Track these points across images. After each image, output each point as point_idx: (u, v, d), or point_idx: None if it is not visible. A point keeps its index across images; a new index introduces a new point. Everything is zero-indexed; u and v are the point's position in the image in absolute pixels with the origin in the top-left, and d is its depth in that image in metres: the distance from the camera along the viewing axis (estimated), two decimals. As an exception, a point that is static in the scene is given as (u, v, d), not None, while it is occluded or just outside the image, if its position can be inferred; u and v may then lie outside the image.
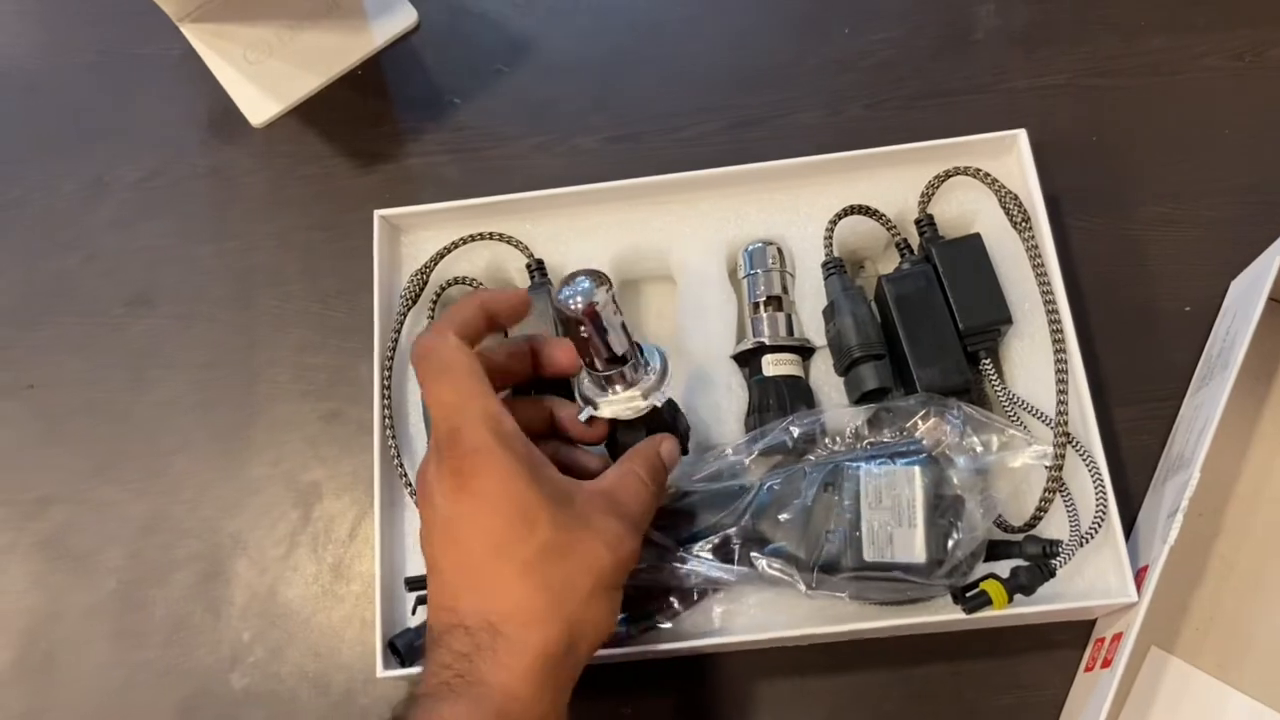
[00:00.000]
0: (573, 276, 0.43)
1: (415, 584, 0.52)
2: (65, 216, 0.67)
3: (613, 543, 0.43)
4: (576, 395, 0.48)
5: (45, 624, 0.59)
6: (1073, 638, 0.53)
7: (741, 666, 0.54)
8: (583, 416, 0.47)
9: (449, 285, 0.59)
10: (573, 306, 0.42)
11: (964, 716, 0.53)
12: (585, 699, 0.43)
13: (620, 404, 0.46)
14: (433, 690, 0.40)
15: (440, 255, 0.58)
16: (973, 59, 0.65)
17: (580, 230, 0.59)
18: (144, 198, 0.67)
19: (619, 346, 0.44)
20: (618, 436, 0.49)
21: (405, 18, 0.70)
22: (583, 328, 0.43)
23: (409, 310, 0.58)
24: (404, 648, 0.51)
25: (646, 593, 0.51)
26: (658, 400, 0.47)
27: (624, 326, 0.44)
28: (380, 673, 0.51)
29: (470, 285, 0.58)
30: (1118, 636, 0.50)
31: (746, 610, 0.52)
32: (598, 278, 0.43)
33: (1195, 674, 0.52)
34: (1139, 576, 0.50)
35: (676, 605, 0.51)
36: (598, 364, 0.45)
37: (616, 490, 0.45)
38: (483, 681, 0.40)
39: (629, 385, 0.46)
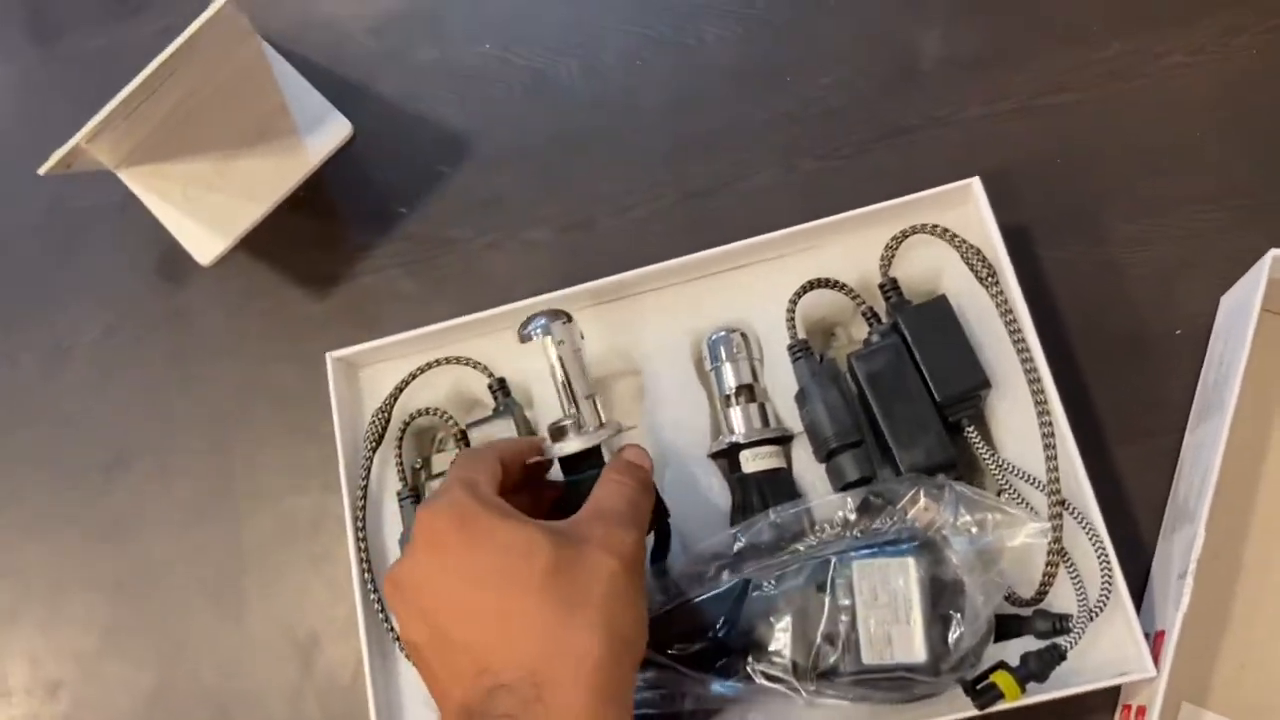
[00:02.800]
0: (531, 317, 0.51)
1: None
2: (28, 388, 0.67)
3: (614, 546, 0.42)
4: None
5: (68, 811, 0.59)
6: (1102, 704, 0.51)
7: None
8: (555, 453, 0.49)
9: (416, 416, 0.57)
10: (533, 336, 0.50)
11: (997, 797, 0.52)
12: None
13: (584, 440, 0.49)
14: None
15: (399, 390, 0.57)
16: (923, 92, 0.62)
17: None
18: (104, 356, 0.67)
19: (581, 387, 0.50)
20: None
21: (339, 130, 0.68)
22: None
23: (375, 450, 0.56)
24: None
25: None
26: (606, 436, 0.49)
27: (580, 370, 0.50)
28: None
29: (437, 416, 0.57)
30: (1142, 710, 0.47)
31: (752, 729, 0.50)
32: (555, 314, 0.51)
33: (1232, 725, 0.50)
34: (1155, 644, 0.48)
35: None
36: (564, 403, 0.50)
37: (599, 500, 0.45)
38: None
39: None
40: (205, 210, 0.67)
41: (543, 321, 0.50)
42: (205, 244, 0.67)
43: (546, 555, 0.40)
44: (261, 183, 0.67)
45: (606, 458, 0.50)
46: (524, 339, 0.51)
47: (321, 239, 0.67)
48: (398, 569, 0.43)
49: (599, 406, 0.51)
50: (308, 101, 0.66)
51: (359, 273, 0.66)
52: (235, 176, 0.68)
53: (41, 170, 0.55)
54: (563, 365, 0.50)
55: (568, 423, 0.49)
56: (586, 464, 0.49)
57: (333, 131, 0.68)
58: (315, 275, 0.66)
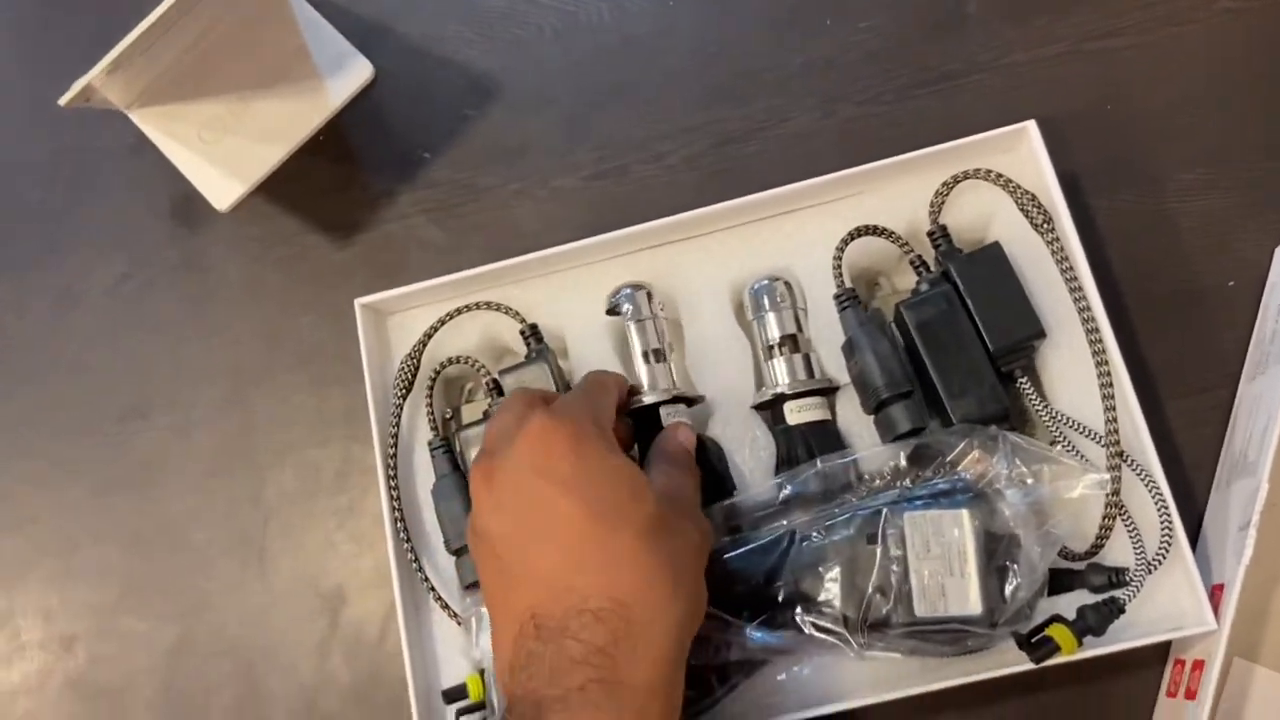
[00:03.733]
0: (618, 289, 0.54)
1: (453, 695, 0.50)
2: (40, 335, 0.65)
3: (700, 522, 0.44)
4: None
5: (87, 767, 0.58)
6: (1151, 657, 0.50)
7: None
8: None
9: (446, 365, 0.55)
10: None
11: (1044, 754, 0.51)
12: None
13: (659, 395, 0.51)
14: (565, 696, 0.37)
15: (428, 336, 0.55)
16: (967, 36, 0.60)
17: (573, 287, 0.56)
18: (119, 303, 0.65)
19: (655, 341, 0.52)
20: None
21: (361, 72, 0.66)
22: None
23: (405, 398, 0.55)
24: None
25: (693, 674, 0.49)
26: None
27: (658, 326, 0.53)
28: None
29: (468, 364, 0.55)
30: (1199, 664, 0.46)
31: (799, 678, 0.49)
32: (637, 285, 0.54)
33: (1285, 681, 0.49)
34: (1214, 596, 0.47)
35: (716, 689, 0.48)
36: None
37: (672, 483, 0.45)
38: (623, 683, 0.37)
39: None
40: (221, 154, 0.65)
41: (628, 292, 0.53)
42: (222, 189, 0.65)
43: (653, 505, 0.40)
44: (280, 126, 0.65)
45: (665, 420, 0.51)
46: (612, 312, 0.54)
47: (342, 185, 0.65)
48: (495, 459, 0.42)
49: (673, 371, 0.52)
50: (328, 42, 0.64)
51: (382, 220, 0.64)
52: (252, 119, 0.65)
53: (62, 101, 0.53)
54: (645, 335, 0.53)
55: (643, 381, 0.52)
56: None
57: (354, 73, 0.66)
58: (337, 222, 0.64)
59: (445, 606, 0.52)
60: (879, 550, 0.46)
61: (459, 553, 0.52)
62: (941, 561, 0.46)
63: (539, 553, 0.39)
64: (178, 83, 0.65)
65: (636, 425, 0.51)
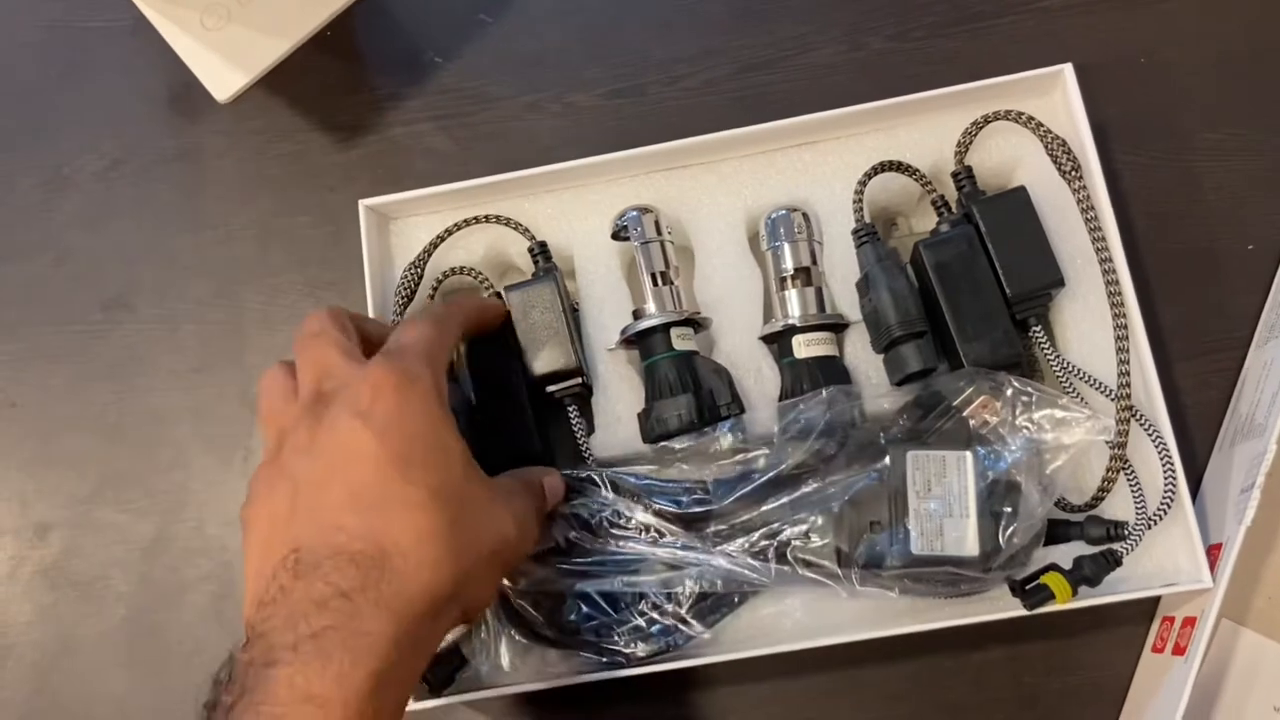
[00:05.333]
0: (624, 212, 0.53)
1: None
2: (26, 216, 0.62)
3: (522, 523, 0.42)
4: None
5: (56, 657, 0.57)
6: (1138, 614, 0.51)
7: (791, 664, 0.51)
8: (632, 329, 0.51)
9: (448, 275, 0.54)
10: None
11: (1025, 702, 0.51)
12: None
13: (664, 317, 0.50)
14: (297, 644, 0.35)
15: (434, 245, 0.53)
16: (1004, -24, 0.59)
17: (585, 205, 0.54)
18: (109, 189, 0.62)
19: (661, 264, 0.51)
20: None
21: (373, -33, 0.63)
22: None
23: (405, 306, 0.53)
24: (433, 675, 0.48)
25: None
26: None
27: (664, 249, 0.52)
28: (411, 704, 0.48)
29: (471, 275, 0.54)
30: (1190, 620, 0.47)
31: (791, 613, 0.49)
32: (644, 209, 0.52)
33: (1270, 646, 0.49)
34: (1211, 555, 0.47)
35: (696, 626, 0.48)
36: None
37: (529, 483, 0.45)
38: (361, 632, 0.35)
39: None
40: (224, 42, 0.62)
41: (635, 215, 0.52)
42: (223, 78, 0.62)
43: (460, 472, 0.40)
44: (286, 17, 0.62)
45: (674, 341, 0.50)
46: (617, 236, 0.53)
47: (348, 84, 0.62)
48: (328, 406, 0.39)
49: (680, 294, 0.52)
50: (341, -69, 0.62)
51: (388, 124, 0.61)
52: (257, 7, 0.62)
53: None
54: (651, 258, 0.52)
55: (650, 303, 0.51)
56: (658, 347, 0.50)
57: (367, -33, 0.63)
58: (340, 123, 0.62)
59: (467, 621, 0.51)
60: (878, 487, 0.46)
61: None
62: (941, 502, 0.45)
63: (329, 491, 0.38)
64: (182, -37, 0.62)
65: (641, 353, 0.51)
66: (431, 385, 0.41)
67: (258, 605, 0.37)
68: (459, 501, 0.39)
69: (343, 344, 0.42)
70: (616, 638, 0.46)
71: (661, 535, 0.46)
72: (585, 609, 0.47)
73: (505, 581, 0.46)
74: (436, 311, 0.47)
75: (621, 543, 0.46)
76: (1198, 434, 0.52)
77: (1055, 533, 0.47)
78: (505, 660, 0.46)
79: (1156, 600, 0.50)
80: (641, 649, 0.46)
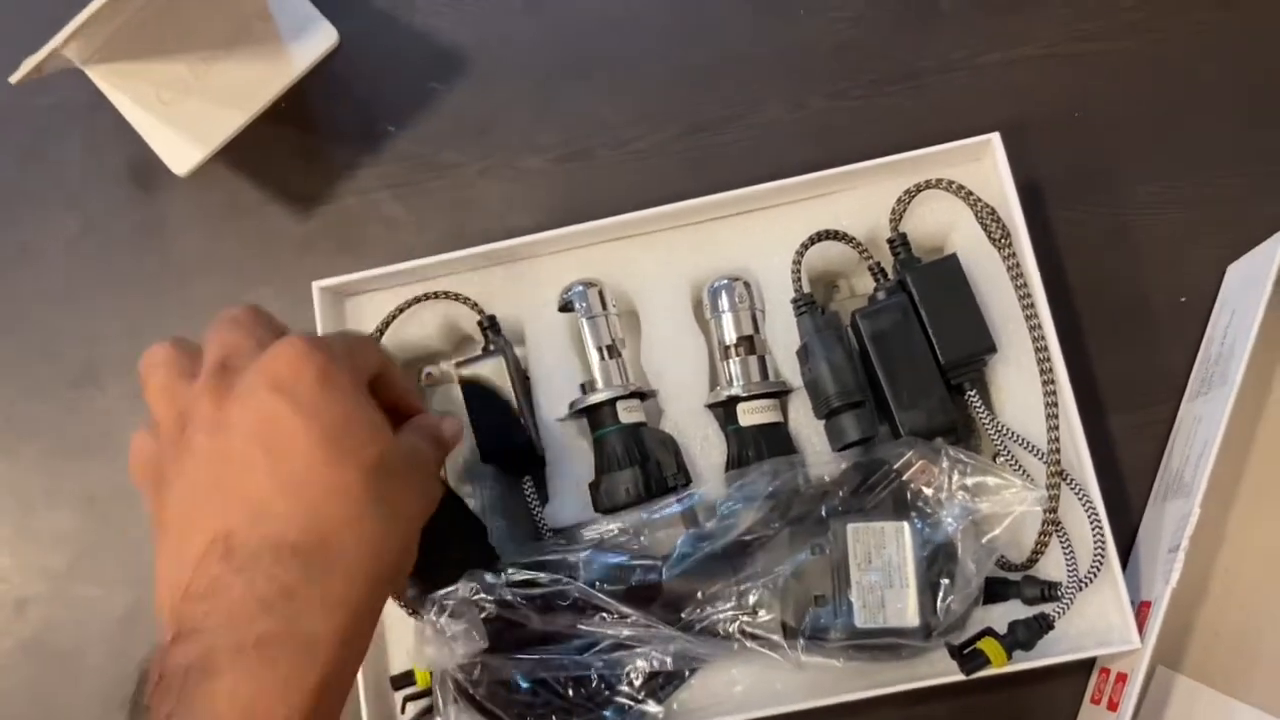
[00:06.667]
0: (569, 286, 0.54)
1: (400, 682, 0.51)
2: (-9, 295, 0.64)
3: (427, 489, 0.42)
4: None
5: (41, 730, 0.59)
6: (1077, 665, 0.52)
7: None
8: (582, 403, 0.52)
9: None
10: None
11: (971, 752, 0.53)
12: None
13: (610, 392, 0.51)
14: (240, 649, 0.33)
15: (386, 324, 0.55)
16: (940, 33, 0.60)
17: (533, 277, 0.56)
18: (74, 264, 0.64)
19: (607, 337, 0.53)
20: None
21: (325, 38, 0.64)
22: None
23: (363, 386, 0.54)
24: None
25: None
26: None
27: (610, 323, 0.53)
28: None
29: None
30: (1122, 676, 0.48)
31: (740, 680, 0.50)
32: (589, 283, 0.53)
33: (1202, 690, 0.51)
34: (1140, 613, 0.48)
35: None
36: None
37: (418, 445, 0.43)
38: (307, 637, 0.34)
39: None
40: (181, 116, 0.63)
41: (580, 289, 0.53)
42: (181, 152, 0.64)
43: (386, 448, 0.38)
44: (241, 90, 0.64)
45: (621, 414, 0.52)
46: (565, 309, 0.53)
47: (304, 155, 0.64)
48: (230, 375, 0.38)
49: (626, 367, 0.53)
50: (291, 5, 0.63)
51: (343, 193, 0.63)
52: (213, 81, 0.64)
53: (13, 79, 0.52)
54: (598, 332, 0.53)
55: (597, 376, 0.52)
56: (606, 420, 0.51)
57: (318, 39, 0.64)
58: (297, 193, 0.63)
59: (398, 597, 0.52)
60: (821, 561, 0.47)
61: None
62: (882, 573, 0.47)
63: (254, 471, 0.36)
64: (137, 38, 0.63)
65: (590, 425, 0.52)
66: (349, 364, 0.39)
67: (186, 596, 0.35)
68: (388, 477, 0.38)
69: (258, 333, 0.40)
70: (573, 723, 0.48)
71: (611, 615, 0.48)
72: (543, 693, 0.48)
73: (460, 675, 0.47)
74: (356, 333, 0.48)
75: (575, 622, 0.48)
76: (1133, 486, 0.54)
77: (993, 591, 0.49)
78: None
79: (1095, 651, 0.52)
80: (598, 730, 0.48)
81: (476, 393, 0.52)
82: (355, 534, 0.36)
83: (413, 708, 0.51)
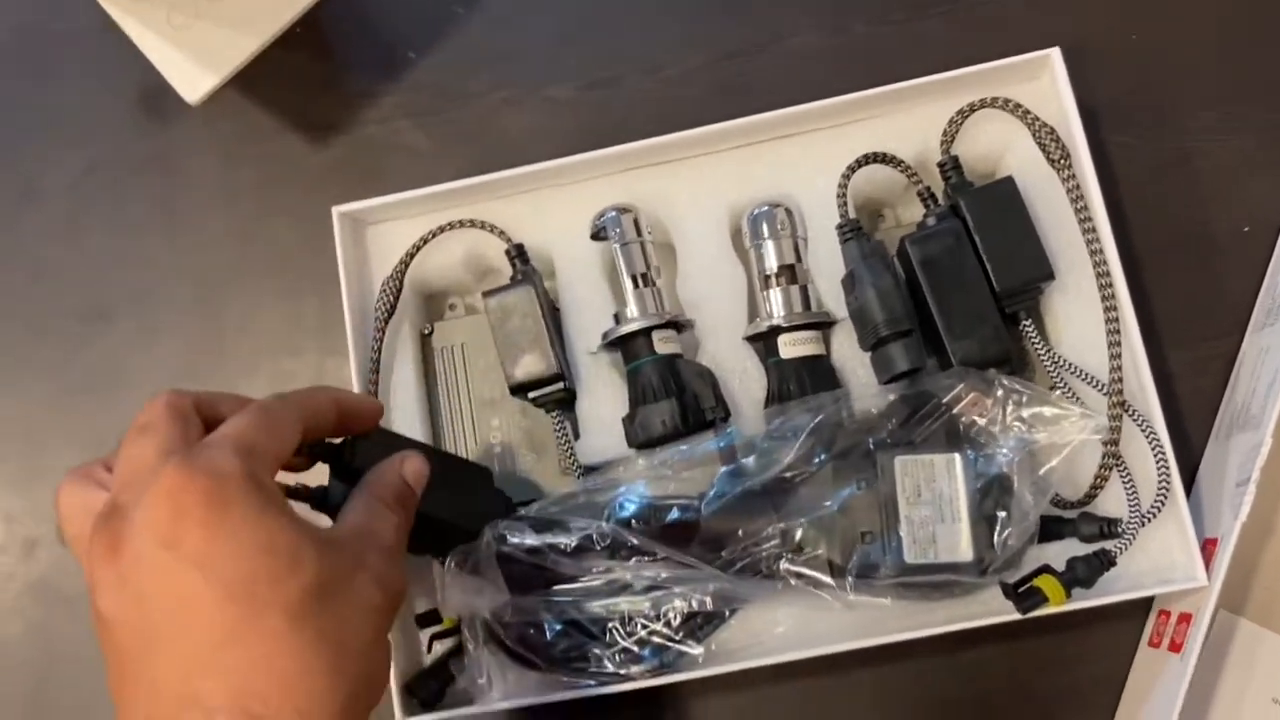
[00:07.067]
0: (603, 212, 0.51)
1: (426, 620, 0.49)
2: (-1, 230, 0.61)
3: (385, 580, 0.36)
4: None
5: (47, 673, 0.57)
6: (1133, 608, 0.50)
7: (782, 670, 0.50)
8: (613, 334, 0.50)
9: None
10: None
11: (1020, 698, 0.51)
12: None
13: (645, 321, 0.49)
14: None
15: (410, 255, 0.52)
16: (990, -49, 0.57)
17: (563, 205, 0.53)
18: (82, 198, 0.61)
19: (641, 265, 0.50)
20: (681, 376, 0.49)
21: (342, -41, 0.62)
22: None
23: (387, 322, 0.52)
24: (422, 691, 0.48)
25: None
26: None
27: (645, 250, 0.51)
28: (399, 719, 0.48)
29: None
30: (1185, 617, 0.46)
31: (781, 622, 0.48)
32: (623, 209, 0.51)
33: (1266, 635, 0.49)
34: (1206, 549, 0.46)
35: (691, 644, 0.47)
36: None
37: (371, 523, 0.38)
38: None
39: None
40: (193, 41, 0.61)
41: (614, 215, 0.51)
42: (193, 79, 0.61)
43: (313, 571, 0.33)
44: (256, 14, 0.61)
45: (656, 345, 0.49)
46: (597, 236, 0.51)
47: (321, 82, 0.61)
48: (120, 521, 0.33)
49: (661, 296, 0.51)
50: (308, -77, 0.60)
51: (363, 122, 0.60)
52: (225, 5, 0.61)
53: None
54: (632, 259, 0.50)
55: (631, 305, 0.50)
56: (641, 351, 0.49)
57: (335, -40, 0.62)
58: (315, 122, 0.60)
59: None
60: (869, 496, 0.45)
61: None
62: (932, 508, 0.45)
63: (161, 651, 0.32)
64: (146, -43, 0.60)
65: (624, 357, 0.50)
66: (243, 478, 0.33)
67: None
68: (324, 602, 0.33)
69: (169, 440, 0.35)
70: (608, 663, 0.46)
71: (647, 555, 0.45)
72: (575, 634, 0.46)
73: (489, 615, 0.45)
74: (269, 400, 0.39)
75: (608, 564, 0.46)
76: (1193, 424, 0.51)
77: (1048, 530, 0.47)
78: (496, 686, 0.46)
79: (1153, 595, 0.50)
80: (634, 670, 0.46)
81: (504, 322, 0.50)
82: (301, 684, 0.32)
83: (439, 646, 0.48)
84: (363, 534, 0.37)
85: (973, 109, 0.49)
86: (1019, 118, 0.49)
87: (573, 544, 0.45)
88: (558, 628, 0.47)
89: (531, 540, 0.45)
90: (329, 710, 0.33)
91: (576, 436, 0.51)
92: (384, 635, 0.36)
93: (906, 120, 0.51)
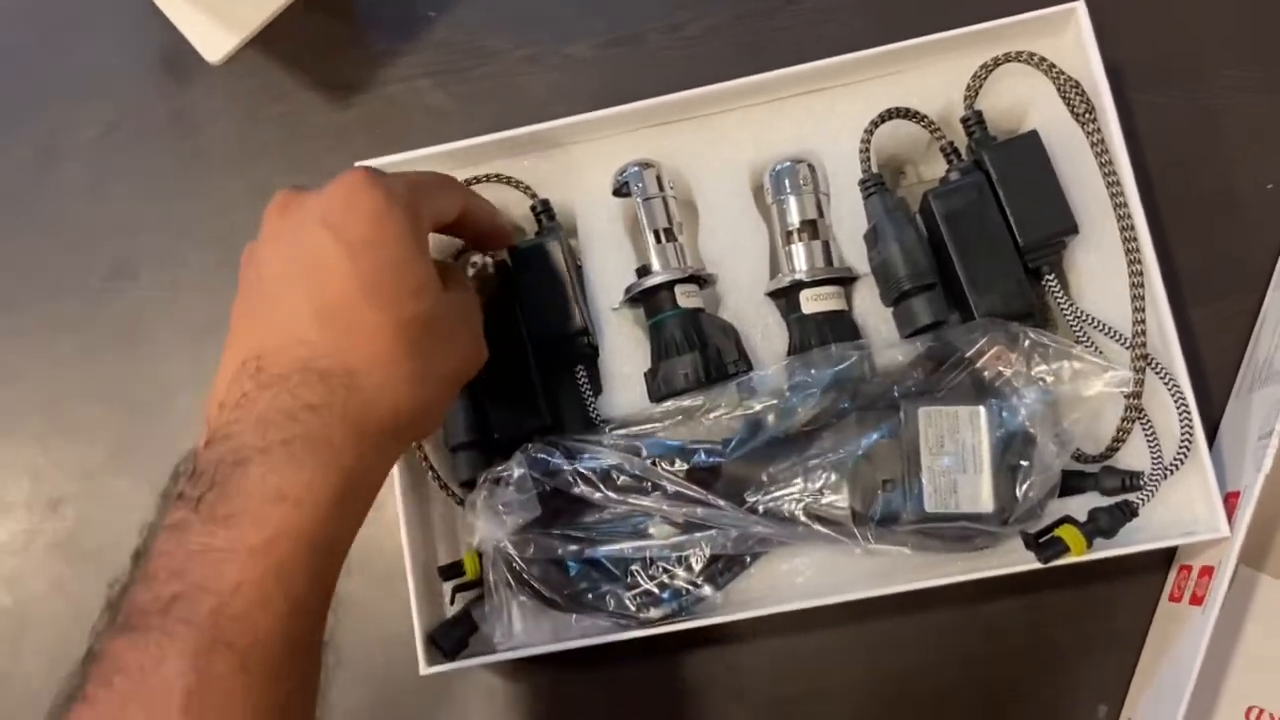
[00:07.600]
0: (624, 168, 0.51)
1: (449, 572, 0.49)
2: (19, 188, 0.61)
3: (475, 352, 0.43)
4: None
5: (72, 629, 0.57)
6: (1154, 562, 0.50)
7: (802, 619, 0.51)
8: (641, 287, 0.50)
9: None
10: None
11: (1040, 652, 0.51)
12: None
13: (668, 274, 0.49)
14: (268, 448, 0.35)
15: (434, 208, 0.52)
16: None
17: (585, 161, 0.53)
18: (103, 157, 0.61)
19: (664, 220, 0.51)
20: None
21: (363, -82, 0.62)
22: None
23: (408, 272, 0.52)
24: (445, 641, 0.48)
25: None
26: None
27: (667, 205, 0.51)
28: (423, 670, 0.48)
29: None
30: (1207, 570, 0.46)
31: (802, 570, 0.48)
32: (645, 164, 0.51)
33: (1287, 590, 0.49)
34: (1229, 503, 0.46)
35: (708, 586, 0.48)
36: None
37: (464, 304, 0.44)
38: (328, 443, 0.36)
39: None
40: (213, 1, 0.61)
41: (636, 170, 0.51)
42: (214, 39, 0.61)
43: (428, 305, 0.39)
44: (276, -27, 0.61)
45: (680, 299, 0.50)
46: (619, 192, 0.51)
47: (341, 42, 0.61)
48: (299, 195, 0.40)
49: (684, 250, 0.51)
50: (329, -119, 0.60)
51: (383, 81, 0.60)
52: (247, -37, 0.61)
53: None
54: (654, 214, 0.51)
55: (654, 260, 0.50)
56: (663, 305, 0.49)
57: (356, -81, 0.62)
58: (335, 82, 0.61)
59: (444, 487, 0.51)
60: (891, 445, 0.45)
61: (455, 449, 0.50)
62: (954, 458, 0.45)
63: (293, 299, 0.38)
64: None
65: (647, 312, 0.50)
66: (408, 207, 0.39)
67: (220, 407, 0.37)
68: (425, 330, 0.39)
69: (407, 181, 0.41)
70: (627, 603, 0.46)
71: (674, 491, 0.46)
72: (595, 574, 0.47)
73: (512, 550, 0.45)
74: (439, 175, 0.46)
75: (632, 500, 0.46)
76: (1214, 380, 0.51)
77: (1070, 484, 0.47)
78: (517, 624, 0.46)
79: (1173, 549, 0.50)
80: (653, 612, 0.46)
81: (529, 276, 0.50)
82: (381, 374, 0.37)
83: (461, 599, 0.49)
84: (464, 309, 0.43)
85: (996, 64, 0.49)
86: (1044, 71, 0.48)
87: (603, 470, 0.45)
88: (579, 567, 0.47)
89: (563, 463, 0.45)
90: (399, 401, 0.38)
91: (599, 392, 0.51)
92: (456, 390, 0.42)
93: (930, 76, 0.51)
